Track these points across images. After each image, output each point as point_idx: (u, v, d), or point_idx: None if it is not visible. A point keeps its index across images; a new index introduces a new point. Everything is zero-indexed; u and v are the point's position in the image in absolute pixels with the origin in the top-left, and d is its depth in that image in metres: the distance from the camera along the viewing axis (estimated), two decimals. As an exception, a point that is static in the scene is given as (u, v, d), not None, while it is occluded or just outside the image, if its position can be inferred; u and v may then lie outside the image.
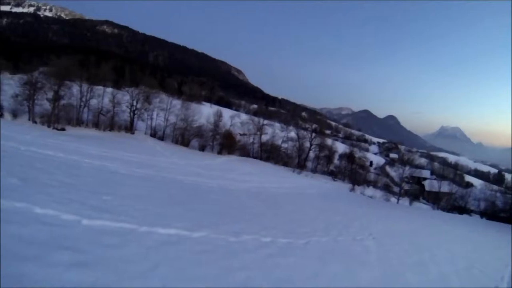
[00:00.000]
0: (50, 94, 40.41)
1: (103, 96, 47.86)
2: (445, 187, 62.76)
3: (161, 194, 12.41)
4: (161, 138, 51.18)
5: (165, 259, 5.33)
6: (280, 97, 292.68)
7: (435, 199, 57.29)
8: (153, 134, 51.84)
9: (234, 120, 60.78)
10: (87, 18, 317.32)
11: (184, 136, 52.27)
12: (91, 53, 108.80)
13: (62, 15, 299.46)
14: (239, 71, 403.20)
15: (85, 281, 3.87)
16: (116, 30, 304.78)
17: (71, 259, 4.27)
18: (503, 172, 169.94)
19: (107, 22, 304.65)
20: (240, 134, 59.29)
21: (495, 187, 65.88)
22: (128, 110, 48.98)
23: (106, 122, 45.97)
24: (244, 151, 56.54)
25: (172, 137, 52.70)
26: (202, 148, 52.00)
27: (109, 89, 50.99)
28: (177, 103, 55.83)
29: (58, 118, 40.28)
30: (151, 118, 52.71)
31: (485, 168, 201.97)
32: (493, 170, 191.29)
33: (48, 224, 5.29)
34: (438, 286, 8.01)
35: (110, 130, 44.81)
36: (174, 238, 6.62)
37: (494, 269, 11.69)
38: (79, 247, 4.76)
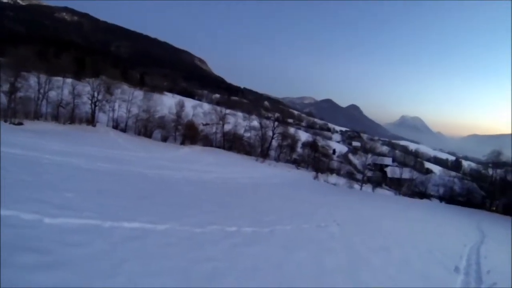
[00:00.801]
0: (5, 87, 37.86)
1: (63, 87, 45.96)
2: (406, 173, 65.81)
3: (125, 188, 12.27)
4: (123, 130, 50.17)
5: (131, 254, 5.39)
6: (243, 87, 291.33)
7: (397, 186, 59.77)
8: (115, 126, 50.70)
9: (196, 110, 60.21)
10: (45, 4, 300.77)
11: (147, 127, 51.66)
12: (49, 42, 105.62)
13: (19, 0, 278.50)
14: (202, 61, 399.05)
15: (51, 282, 3.89)
16: (76, 18, 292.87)
17: (36, 261, 4.26)
18: (460, 160, 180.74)
19: (66, 9, 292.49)
20: (203, 124, 58.95)
21: (453, 173, 68.70)
22: (89, 102, 47.15)
23: (66, 115, 44.13)
24: (207, 141, 56.30)
25: (134, 128, 51.90)
26: (164, 139, 51.70)
27: (69, 80, 48.96)
28: (139, 94, 54.97)
29: (15, 111, 38.08)
30: (113, 110, 51.59)
31: (443, 156, 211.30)
32: (451, 158, 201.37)
33: (9, 225, 5.17)
34: (401, 268, 8.38)
35: (70, 123, 42.96)
36: (139, 232, 6.62)
37: (453, 249, 12.44)
38: (43, 248, 4.73)
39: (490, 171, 44.38)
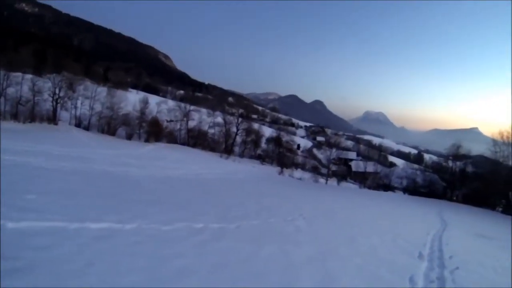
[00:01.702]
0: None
1: (22, 84, 43.68)
2: (371, 167, 67.26)
3: (90, 187, 12.05)
4: (87, 128, 48.80)
5: (100, 254, 5.37)
6: (207, 83, 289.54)
7: (362, 179, 60.97)
8: (78, 124, 49.27)
9: (160, 106, 59.57)
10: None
11: (110, 125, 50.47)
12: (8, 35, 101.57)
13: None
14: (166, 57, 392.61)
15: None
16: (37, 9, 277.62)
17: (2, 267, 4.17)
18: (422, 153, 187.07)
19: (27, 0, 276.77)
20: (167, 121, 58.15)
21: (415, 166, 70.80)
22: (50, 99, 45.26)
23: (26, 113, 42.09)
24: (171, 138, 55.82)
25: (98, 126, 50.44)
26: (129, 137, 50.62)
27: (29, 76, 46.82)
28: (102, 90, 53.67)
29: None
30: (75, 107, 50.13)
31: (406, 150, 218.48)
32: (414, 151, 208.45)
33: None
34: (368, 257, 8.53)
35: (30, 122, 41.08)
36: (106, 232, 6.59)
37: (417, 237, 12.74)
38: (8, 253, 4.63)
39: (451, 164, 46.07)
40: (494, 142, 39.72)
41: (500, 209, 36.96)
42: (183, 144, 55.53)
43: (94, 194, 10.57)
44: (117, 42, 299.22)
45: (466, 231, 17.54)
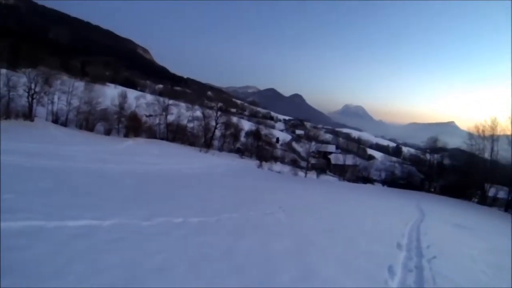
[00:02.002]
0: None
1: None
2: (350, 160, 67.99)
3: (68, 185, 11.90)
4: (64, 124, 47.48)
5: (79, 252, 5.34)
6: (186, 77, 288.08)
7: (341, 172, 61.77)
8: (55, 120, 47.82)
9: (139, 101, 58.74)
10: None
11: (89, 120, 49.39)
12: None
13: None
14: (145, 50, 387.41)
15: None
16: (12, 1, 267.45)
17: None
18: (400, 146, 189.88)
19: None
20: (146, 116, 57.53)
21: (394, 158, 71.83)
22: (26, 95, 43.79)
23: (1, 109, 40.22)
24: (151, 133, 55.32)
25: (75, 122, 49.36)
26: (107, 132, 49.77)
27: (3, 71, 44.67)
28: (80, 85, 52.29)
29: None
30: (52, 103, 48.48)
31: (385, 143, 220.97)
32: (392, 144, 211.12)
33: None
34: (347, 248, 8.73)
35: (6, 119, 39.34)
36: (85, 229, 6.55)
37: (396, 228, 12.93)
38: None
39: (428, 156, 47.09)
40: (470, 135, 40.69)
41: (476, 200, 37.98)
42: (162, 139, 55.19)
43: (72, 192, 10.44)
44: (95, 35, 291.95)
45: (443, 222, 17.97)
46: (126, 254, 5.66)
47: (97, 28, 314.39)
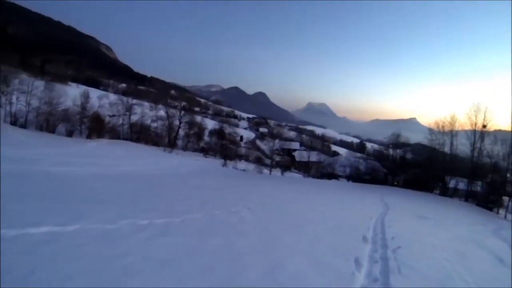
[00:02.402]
0: None
1: None
2: (314, 156, 68.53)
3: (29, 189, 11.43)
4: (23, 126, 45.39)
5: (42, 261, 5.17)
6: (149, 76, 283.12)
7: (306, 168, 62.07)
8: (14, 122, 45.50)
9: (102, 101, 57.17)
10: None
11: (49, 121, 47.42)
12: None
13: None
14: (108, 48, 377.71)
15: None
16: None
17: None
18: (364, 142, 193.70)
19: None
20: (109, 116, 56.03)
21: (358, 154, 72.84)
22: None
23: None
24: (114, 134, 54.09)
25: (35, 123, 47.31)
26: (69, 134, 48.05)
27: None
28: (40, 84, 49.79)
29: None
30: (10, 103, 46.17)
31: (349, 139, 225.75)
32: (356, 140, 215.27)
33: None
34: (313, 243, 8.78)
35: None
36: (47, 236, 6.32)
37: (361, 222, 13.25)
38: None
39: (391, 151, 48.30)
40: (431, 131, 42.21)
41: (438, 192, 39.42)
42: (126, 139, 54.15)
43: (33, 197, 10.06)
44: (56, 31, 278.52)
45: (406, 214, 18.57)
46: (90, 260, 5.54)
47: (58, 24, 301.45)
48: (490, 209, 32.44)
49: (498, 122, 37.42)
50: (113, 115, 56.95)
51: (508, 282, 8.53)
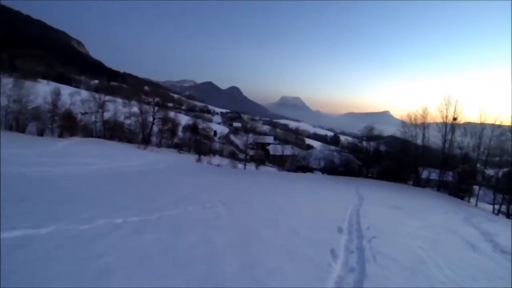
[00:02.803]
0: None
1: None
2: (288, 150, 68.33)
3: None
4: None
5: (16, 265, 5.08)
6: (122, 71, 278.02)
7: (280, 162, 61.96)
8: None
9: (74, 98, 54.82)
10: None
11: (19, 120, 45.60)
12: None
13: None
14: (79, 43, 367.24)
15: None
16: None
17: None
18: (338, 135, 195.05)
19: None
20: (81, 113, 54.24)
21: (332, 147, 73.14)
22: None
23: None
24: (87, 132, 52.53)
25: (4, 123, 45.20)
26: (40, 133, 46.42)
27: None
28: (8, 81, 47.48)
29: None
30: None
31: (323, 132, 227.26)
32: (330, 134, 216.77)
33: None
34: (289, 237, 8.88)
35: None
36: (21, 240, 6.17)
37: (336, 214, 13.44)
38: None
39: (365, 144, 48.95)
40: (404, 123, 43.15)
41: (411, 182, 40.24)
42: (99, 137, 52.92)
43: (5, 200, 9.57)
44: (25, 26, 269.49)
45: (381, 204, 18.95)
46: (66, 262, 5.49)
47: (27, 19, 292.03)
48: (461, 198, 33.51)
49: (468, 115, 38.49)
50: (86, 113, 55.42)
51: (481, 267, 8.85)
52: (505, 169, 35.14)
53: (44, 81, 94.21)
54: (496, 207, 31.01)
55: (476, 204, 31.53)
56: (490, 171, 37.05)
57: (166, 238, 7.53)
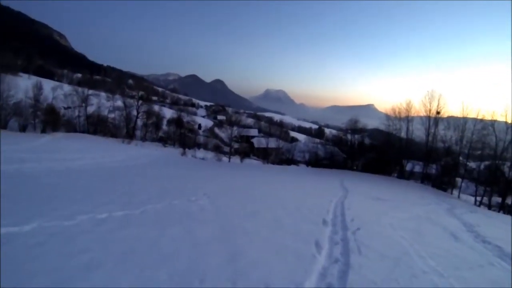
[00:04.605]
0: None
1: None
2: (273, 143, 68.59)
3: None
4: None
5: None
6: (106, 65, 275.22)
7: (265, 155, 62.23)
8: None
9: (56, 92, 53.92)
10: None
11: (0, 116, 43.86)
12: None
13: None
14: (61, 36, 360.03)
15: None
16: None
17: None
18: (322, 128, 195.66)
19: None
20: (64, 108, 53.36)
21: (316, 140, 73.17)
22: None
23: None
24: (70, 127, 51.65)
25: None
26: (23, 129, 45.05)
27: None
28: None
29: None
30: None
31: (307, 125, 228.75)
32: (314, 126, 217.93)
33: None
34: (273, 229, 8.93)
35: None
36: (3, 238, 6.10)
37: (321, 206, 13.52)
38: None
39: (349, 137, 49.26)
40: (388, 117, 43.78)
41: (396, 175, 40.69)
42: (82, 132, 52.16)
43: None
44: (4, 17, 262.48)
45: (365, 196, 19.18)
46: (50, 258, 5.47)
47: (6, 10, 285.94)
48: (445, 190, 34.14)
49: (451, 109, 39.28)
50: (68, 107, 54.46)
51: (462, 256, 9.01)
52: (487, 162, 35.82)
53: (25, 75, 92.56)
54: (478, 198, 31.70)
55: (458, 196, 32.17)
56: (472, 164, 37.69)
57: (150, 231, 7.53)
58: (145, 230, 7.63)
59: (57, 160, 22.48)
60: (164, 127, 70.16)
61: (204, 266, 5.78)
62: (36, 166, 18.26)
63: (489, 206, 30.26)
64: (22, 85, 50.89)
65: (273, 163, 52.43)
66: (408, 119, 41.22)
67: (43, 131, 46.75)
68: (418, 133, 40.83)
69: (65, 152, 27.84)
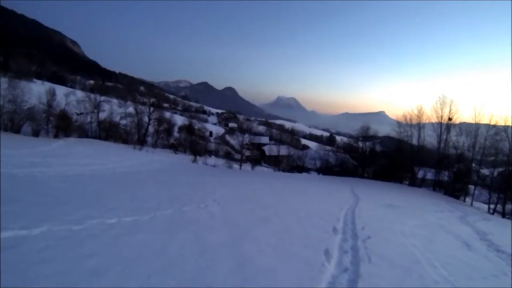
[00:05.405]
0: None
1: None
2: (284, 150, 68.09)
3: None
4: None
5: (6, 266, 5.02)
6: (117, 71, 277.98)
7: (276, 162, 62.18)
8: None
9: (69, 98, 54.06)
10: None
11: (14, 121, 44.78)
12: None
13: None
14: (74, 43, 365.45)
15: None
16: None
17: None
18: (334, 135, 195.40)
19: None
20: (77, 114, 53.72)
21: (328, 147, 73.01)
22: None
23: None
24: (82, 132, 52.11)
25: None
26: (36, 133, 45.73)
27: None
28: (3, 81, 46.17)
29: None
30: None
31: (318, 132, 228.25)
32: (326, 134, 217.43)
33: None
34: (283, 236, 8.88)
35: None
36: (11, 241, 6.10)
37: (331, 213, 13.42)
38: None
39: (361, 144, 48.95)
40: (399, 123, 43.23)
41: (407, 182, 40.32)
42: (94, 137, 52.46)
43: None
44: (19, 25, 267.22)
45: (376, 203, 18.96)
46: (58, 262, 5.46)
47: (21, 18, 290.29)
48: (457, 197, 33.61)
49: (463, 114, 38.81)
50: (81, 113, 54.94)
51: (475, 265, 8.84)
52: (500, 169, 35.28)
53: (39, 81, 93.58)
54: (491, 206, 31.16)
55: (471, 203, 31.67)
56: (485, 171, 37.15)
57: (158, 237, 7.48)
58: (154, 236, 7.60)
59: (68, 164, 22.56)
60: (175, 134, 70.08)
61: (212, 273, 5.73)
62: (47, 170, 18.30)
63: (503, 214, 29.68)
64: (36, 91, 51.31)
65: (284, 170, 52.27)
66: (420, 126, 40.78)
67: (56, 136, 47.14)
68: (430, 139, 40.38)
69: (76, 157, 27.97)
